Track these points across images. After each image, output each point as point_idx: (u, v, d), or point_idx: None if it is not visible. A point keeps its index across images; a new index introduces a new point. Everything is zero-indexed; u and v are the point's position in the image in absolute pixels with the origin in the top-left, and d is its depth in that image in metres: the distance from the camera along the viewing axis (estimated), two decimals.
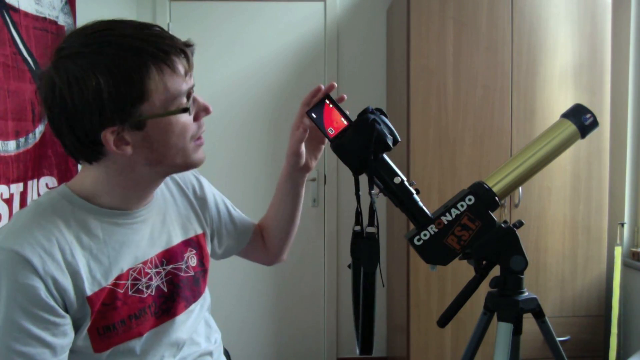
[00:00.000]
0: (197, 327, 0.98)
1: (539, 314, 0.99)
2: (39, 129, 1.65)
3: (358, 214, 0.93)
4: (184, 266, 0.94)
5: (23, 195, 1.57)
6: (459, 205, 0.93)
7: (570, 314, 2.24)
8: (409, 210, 0.92)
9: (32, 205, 0.82)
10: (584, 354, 2.24)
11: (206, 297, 1.03)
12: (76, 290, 0.77)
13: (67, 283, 0.76)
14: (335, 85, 0.96)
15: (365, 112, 0.89)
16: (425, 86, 2.16)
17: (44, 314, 0.73)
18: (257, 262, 1.21)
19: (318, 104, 0.92)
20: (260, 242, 1.17)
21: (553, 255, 2.22)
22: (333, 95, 0.94)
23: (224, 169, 2.69)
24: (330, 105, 0.92)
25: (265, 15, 2.71)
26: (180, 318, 0.92)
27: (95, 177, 0.82)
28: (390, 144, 0.88)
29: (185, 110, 0.79)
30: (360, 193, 0.90)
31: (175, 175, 1.03)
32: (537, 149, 0.98)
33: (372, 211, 0.88)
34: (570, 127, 0.96)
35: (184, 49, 0.78)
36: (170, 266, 0.92)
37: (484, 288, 1.00)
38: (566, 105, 1.10)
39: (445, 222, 0.93)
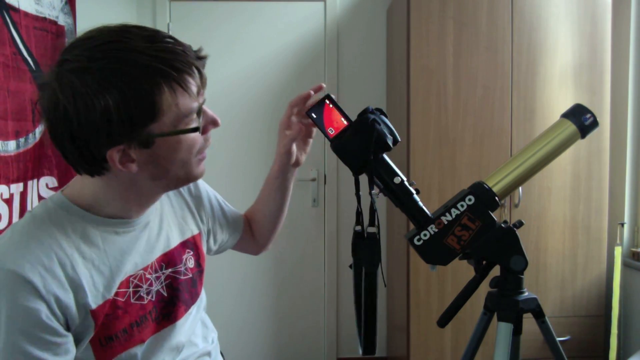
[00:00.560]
0: (194, 328, 0.98)
1: (539, 314, 0.99)
2: (39, 129, 1.65)
3: (358, 214, 0.93)
4: (182, 269, 0.93)
5: (23, 195, 1.57)
6: (459, 205, 0.93)
7: (570, 314, 2.24)
8: (409, 210, 0.92)
9: (27, 217, 0.78)
10: (584, 354, 2.24)
11: (202, 298, 1.02)
12: (78, 305, 0.75)
13: (69, 300, 0.74)
14: (324, 86, 0.96)
15: (365, 112, 0.89)
16: (425, 86, 2.16)
17: (46, 336, 0.71)
18: (245, 252, 1.21)
19: (318, 103, 0.92)
20: (249, 234, 1.17)
21: (553, 255, 2.22)
22: (335, 97, 0.94)
23: (224, 169, 2.69)
24: (330, 105, 0.91)
25: (265, 15, 2.71)
26: (180, 322, 0.92)
27: (95, 188, 0.79)
28: (390, 144, 0.88)
29: (196, 129, 0.76)
30: (360, 193, 0.90)
31: None
32: (537, 149, 0.98)
33: (372, 211, 0.88)
34: (570, 127, 0.96)
35: (197, 66, 0.76)
36: (170, 270, 0.91)
37: (484, 288, 1.00)
38: (566, 105, 1.10)
39: (445, 222, 0.93)
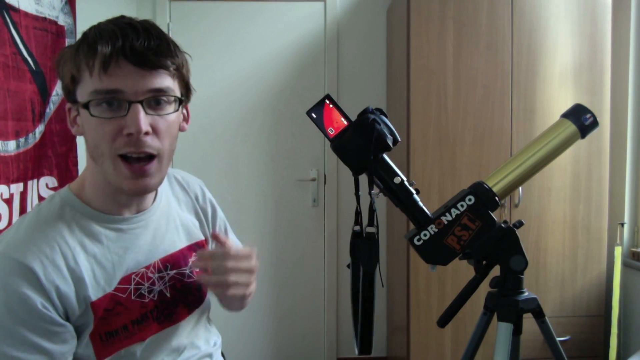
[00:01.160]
0: (198, 332, 0.98)
1: (539, 314, 0.99)
2: (39, 129, 1.65)
3: (358, 214, 0.93)
4: (187, 271, 0.94)
5: (23, 195, 1.57)
6: (459, 205, 0.93)
7: (570, 314, 2.24)
8: (409, 210, 0.92)
9: (34, 211, 0.82)
10: (584, 354, 2.24)
11: (207, 302, 1.02)
12: (79, 297, 0.77)
13: (69, 290, 0.76)
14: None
15: (365, 112, 0.89)
16: (425, 86, 2.16)
17: (41, 323, 0.73)
18: None
19: (318, 103, 0.92)
20: None
21: (553, 255, 2.22)
22: (335, 97, 0.94)
23: (224, 169, 2.69)
24: (330, 105, 0.91)
25: (265, 15, 2.71)
26: (182, 324, 0.92)
27: (90, 177, 0.83)
28: (390, 144, 0.88)
29: (85, 106, 0.78)
30: (360, 193, 0.90)
31: (181, 179, 1.03)
32: (537, 149, 0.98)
33: (372, 211, 0.88)
34: (570, 127, 0.96)
35: (106, 53, 0.77)
36: (174, 271, 0.91)
37: (484, 288, 1.00)
38: (566, 105, 1.10)
39: (445, 222, 0.93)
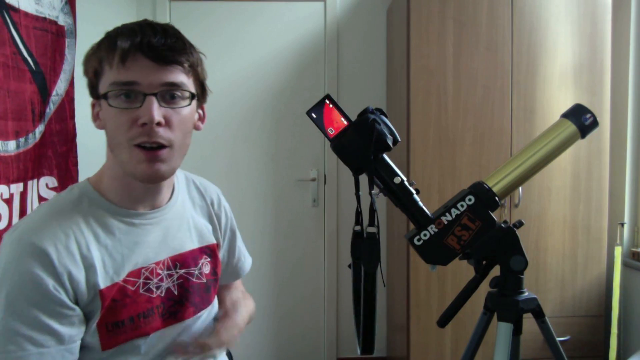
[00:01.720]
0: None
1: (539, 314, 0.99)
2: (39, 129, 1.65)
3: (358, 214, 0.93)
4: (196, 272, 0.96)
5: (23, 195, 1.57)
6: (459, 205, 0.93)
7: (570, 314, 2.24)
8: (409, 210, 0.92)
9: (53, 200, 0.86)
10: (584, 354, 2.24)
11: (214, 306, 1.05)
12: (88, 283, 0.80)
13: (80, 276, 0.79)
14: None
15: (365, 112, 0.89)
16: (425, 86, 2.16)
17: (52, 305, 0.76)
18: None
19: (318, 103, 0.92)
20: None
21: (553, 255, 2.22)
22: (335, 97, 0.94)
23: (224, 169, 2.69)
24: (330, 105, 0.91)
25: (265, 15, 2.71)
26: (187, 323, 0.94)
27: (107, 170, 0.87)
28: (390, 144, 0.88)
29: (104, 97, 0.82)
30: (360, 193, 0.90)
31: (199, 184, 1.06)
32: (537, 149, 0.98)
33: (372, 211, 0.88)
34: (571, 127, 0.97)
35: (125, 47, 0.82)
36: (183, 270, 0.94)
37: (484, 288, 1.00)
38: (566, 105, 1.10)
39: (445, 222, 0.93)
